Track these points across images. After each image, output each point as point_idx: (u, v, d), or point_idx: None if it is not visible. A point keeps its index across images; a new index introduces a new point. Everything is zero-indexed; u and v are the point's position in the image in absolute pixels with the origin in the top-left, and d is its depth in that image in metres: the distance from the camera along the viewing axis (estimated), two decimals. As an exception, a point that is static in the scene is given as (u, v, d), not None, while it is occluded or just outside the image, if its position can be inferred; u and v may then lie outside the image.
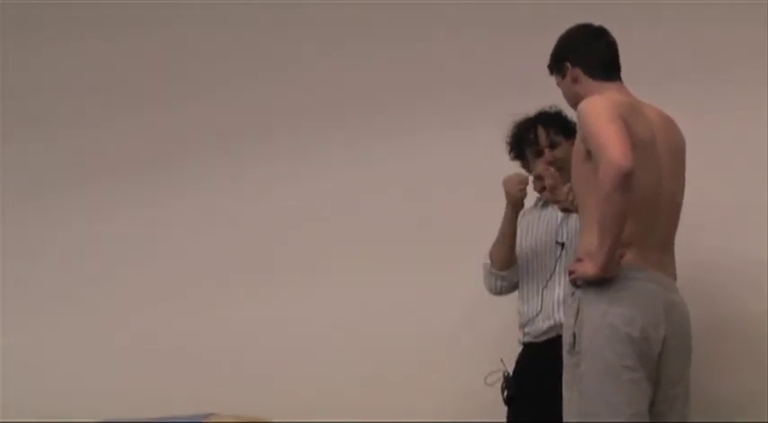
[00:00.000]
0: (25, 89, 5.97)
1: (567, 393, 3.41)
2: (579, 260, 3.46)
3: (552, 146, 4.18)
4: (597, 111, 3.43)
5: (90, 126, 5.83)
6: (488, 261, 4.24)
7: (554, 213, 4.15)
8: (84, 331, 5.52)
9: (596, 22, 3.84)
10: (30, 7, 5.90)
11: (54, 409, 4.82)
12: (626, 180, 3.25)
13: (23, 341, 5.62)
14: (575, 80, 3.71)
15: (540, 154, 4.20)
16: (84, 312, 5.58)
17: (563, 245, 4.05)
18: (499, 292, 4.28)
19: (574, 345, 3.38)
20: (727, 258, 4.37)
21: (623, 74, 3.78)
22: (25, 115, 5.96)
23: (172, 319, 5.36)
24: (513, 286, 4.26)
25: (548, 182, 4.09)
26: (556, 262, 4.05)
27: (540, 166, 4.18)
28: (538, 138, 4.21)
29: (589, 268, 3.38)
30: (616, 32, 3.84)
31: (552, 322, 3.96)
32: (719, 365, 4.29)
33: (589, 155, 3.42)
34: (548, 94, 4.02)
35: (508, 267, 4.23)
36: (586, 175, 3.45)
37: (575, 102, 3.62)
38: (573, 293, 3.48)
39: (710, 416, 4.15)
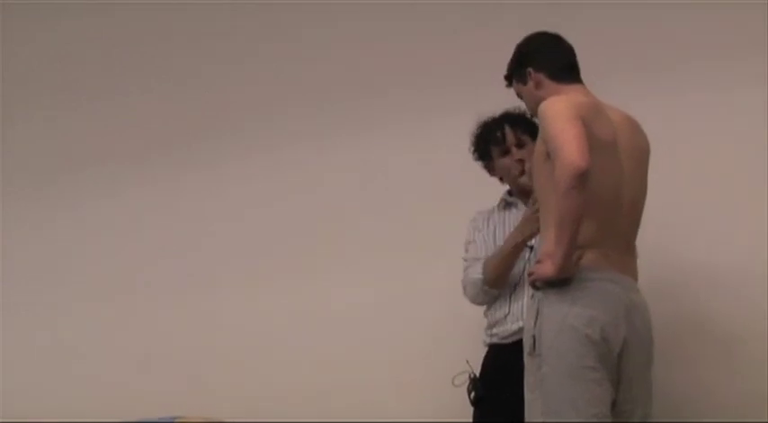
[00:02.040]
0: (16, 83, 6.05)
1: (529, 395, 3.47)
2: (538, 261, 3.51)
3: (519, 145, 4.19)
4: (556, 111, 3.48)
5: (85, 121, 5.90)
6: (480, 276, 4.16)
7: (520, 216, 4.15)
8: (77, 332, 5.60)
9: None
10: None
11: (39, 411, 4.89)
12: (581, 179, 3.29)
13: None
14: (538, 85, 3.78)
15: (506, 153, 4.22)
16: (79, 312, 5.64)
17: (531, 248, 4.04)
18: (482, 303, 4.23)
19: (534, 347, 3.43)
20: (727, 249, 4.41)
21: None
22: (18, 110, 6.04)
23: (163, 320, 5.43)
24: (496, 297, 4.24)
25: (528, 165, 4.12)
26: (524, 265, 4.03)
27: (508, 159, 4.22)
28: (505, 137, 4.23)
29: (547, 268, 3.43)
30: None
31: (521, 323, 3.91)
32: (699, 366, 4.39)
33: (549, 155, 3.46)
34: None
35: (502, 287, 4.16)
36: (547, 175, 3.49)
37: (537, 107, 3.65)
38: (533, 296, 3.54)
39: (711, 411, 4.26)
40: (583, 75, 3.80)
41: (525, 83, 3.81)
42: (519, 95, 3.90)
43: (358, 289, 4.98)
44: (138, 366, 5.36)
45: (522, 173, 4.18)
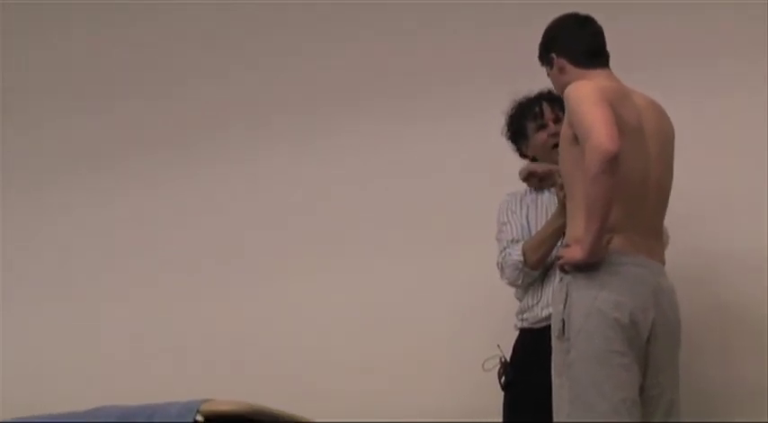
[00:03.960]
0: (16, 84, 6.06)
1: (557, 379, 3.48)
2: (567, 246, 3.54)
3: (556, 120, 4.17)
4: (584, 95, 3.49)
5: (86, 121, 5.89)
6: (520, 258, 4.09)
7: (552, 199, 4.13)
8: (80, 324, 5.59)
9: (596, 12, 3.88)
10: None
11: (49, 402, 4.84)
12: (612, 163, 3.30)
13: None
14: (561, 70, 3.80)
15: (543, 127, 4.23)
16: (82, 305, 5.64)
17: (564, 233, 3.95)
18: (522, 285, 4.17)
19: (563, 331, 3.45)
20: (728, 247, 4.44)
21: (625, 64, 3.83)
22: (18, 110, 6.05)
23: (167, 319, 5.41)
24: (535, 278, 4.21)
25: (541, 170, 4.13)
26: (556, 250, 3.98)
27: (540, 139, 4.23)
28: (543, 112, 4.24)
29: (576, 253, 3.44)
30: (608, 31, 3.88)
31: (551, 310, 3.82)
32: (721, 358, 4.39)
33: (576, 139, 3.48)
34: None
35: (542, 267, 4.12)
36: (574, 159, 3.50)
37: (563, 91, 3.67)
38: (561, 279, 3.56)
39: (711, 410, 4.24)
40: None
41: (551, 67, 3.84)
42: (549, 76, 3.93)
43: (387, 275, 4.99)
44: (137, 364, 5.36)
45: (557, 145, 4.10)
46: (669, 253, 3.79)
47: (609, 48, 3.85)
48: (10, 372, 5.55)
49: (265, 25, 5.58)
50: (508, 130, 4.35)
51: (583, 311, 3.41)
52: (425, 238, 4.99)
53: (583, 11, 3.90)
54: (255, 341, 5.20)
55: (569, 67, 3.77)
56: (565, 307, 3.45)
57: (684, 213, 4.20)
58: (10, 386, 5.44)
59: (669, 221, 3.81)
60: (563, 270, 3.52)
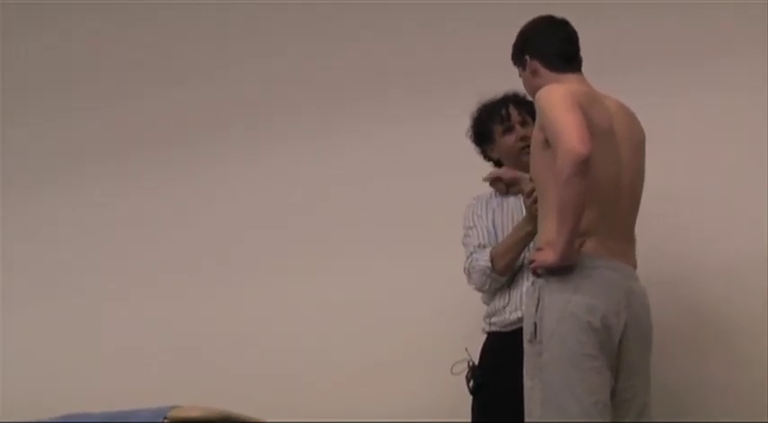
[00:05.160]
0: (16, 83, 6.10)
1: (528, 382, 3.47)
2: (539, 249, 3.52)
3: (523, 123, 4.16)
4: (554, 98, 3.48)
5: (86, 120, 5.93)
6: (487, 264, 4.07)
7: (519, 203, 4.11)
8: (80, 324, 5.64)
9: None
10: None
11: (49, 402, 4.89)
12: (583, 166, 3.29)
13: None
14: (534, 72, 3.80)
15: (510, 130, 4.20)
16: (82, 305, 5.67)
17: (532, 239, 3.93)
18: (489, 290, 4.15)
19: (535, 334, 3.43)
20: (728, 247, 4.40)
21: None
22: (18, 110, 6.09)
23: (165, 318, 5.43)
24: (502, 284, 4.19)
25: (508, 176, 4.11)
26: (523, 254, 4.01)
27: (508, 142, 4.19)
28: (510, 114, 4.20)
29: (549, 256, 3.43)
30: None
31: (520, 314, 3.87)
32: (695, 359, 4.38)
33: (548, 143, 3.47)
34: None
35: (509, 273, 4.11)
36: (545, 163, 3.50)
37: (534, 93, 3.67)
38: (533, 283, 3.54)
39: (684, 410, 4.26)
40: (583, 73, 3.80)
41: (524, 69, 3.84)
42: (521, 77, 3.92)
43: (356, 281, 5.02)
44: (137, 364, 5.39)
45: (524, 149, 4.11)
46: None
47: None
48: (10, 372, 5.59)
49: (265, 25, 5.59)
50: (473, 132, 4.33)
51: (556, 315, 3.40)
52: (425, 238, 4.98)
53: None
54: (255, 341, 5.21)
55: (542, 70, 3.76)
56: (537, 310, 3.44)
57: (683, 213, 4.19)
58: (10, 386, 5.49)
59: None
60: (535, 273, 3.51)
